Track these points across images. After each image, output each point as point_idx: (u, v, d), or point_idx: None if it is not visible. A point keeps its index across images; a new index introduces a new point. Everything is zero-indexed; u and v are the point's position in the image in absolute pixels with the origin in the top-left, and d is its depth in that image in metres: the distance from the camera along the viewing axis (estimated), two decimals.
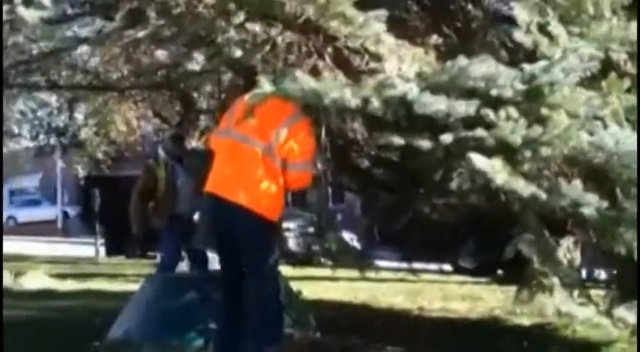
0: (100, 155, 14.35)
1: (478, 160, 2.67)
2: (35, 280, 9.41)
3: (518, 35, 2.97)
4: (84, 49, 7.58)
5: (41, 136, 14.87)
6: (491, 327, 5.62)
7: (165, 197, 6.13)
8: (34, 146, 15.55)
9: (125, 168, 8.73)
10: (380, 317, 6.42)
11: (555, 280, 3.36)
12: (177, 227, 6.12)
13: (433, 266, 7.80)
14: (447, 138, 2.69)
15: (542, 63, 2.73)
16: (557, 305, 3.39)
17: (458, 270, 11.05)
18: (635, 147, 2.70)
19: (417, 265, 6.93)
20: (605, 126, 2.76)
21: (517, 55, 3.16)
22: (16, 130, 13.89)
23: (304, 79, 2.78)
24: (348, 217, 19.12)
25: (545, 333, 5.24)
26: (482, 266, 10.45)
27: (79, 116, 13.03)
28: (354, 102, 2.69)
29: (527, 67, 2.74)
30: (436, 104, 2.62)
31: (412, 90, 2.66)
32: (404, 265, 7.08)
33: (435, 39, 3.44)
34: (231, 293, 3.82)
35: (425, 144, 2.79)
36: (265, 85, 2.88)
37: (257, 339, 3.66)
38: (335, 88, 2.75)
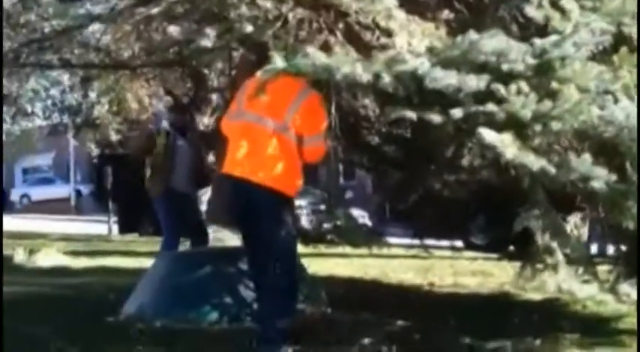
0: (112, 133, 14.40)
1: (488, 135, 2.68)
2: (49, 257, 9.50)
3: (530, 10, 2.96)
4: (96, 26, 7.58)
5: (54, 115, 14.92)
6: (502, 302, 5.64)
7: (163, 165, 6.07)
8: (47, 124, 15.60)
9: None
10: (390, 292, 6.46)
11: (560, 257, 3.38)
12: (172, 202, 6.09)
13: (444, 242, 7.82)
14: (457, 112, 2.70)
15: (553, 37, 2.73)
16: (559, 282, 3.41)
17: (469, 246, 11.07)
18: None
19: (427, 242, 6.97)
20: (616, 101, 2.75)
21: (528, 30, 3.15)
22: (29, 109, 13.93)
23: (316, 55, 2.80)
24: (359, 194, 19.17)
25: (555, 308, 5.26)
26: (493, 242, 10.46)
27: (92, 94, 13.06)
28: (365, 77, 2.70)
29: (538, 42, 2.74)
30: (447, 79, 2.63)
31: (423, 65, 2.67)
32: (414, 242, 7.11)
33: (446, 14, 3.43)
34: (252, 271, 3.98)
35: (436, 118, 2.80)
36: (278, 61, 2.90)
37: (270, 313, 3.76)
38: (346, 63, 2.76)
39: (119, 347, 4.00)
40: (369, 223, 15.72)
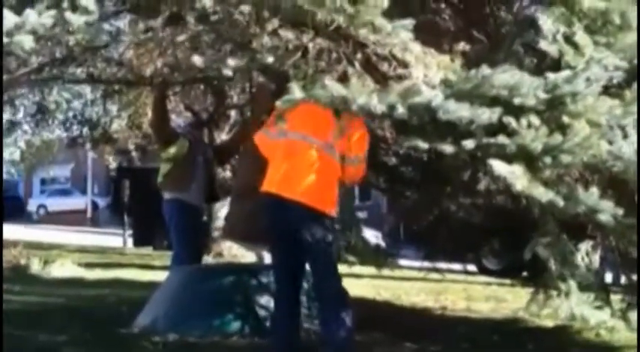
0: (131, 147, 14.54)
1: (498, 166, 2.72)
2: (64, 268, 9.59)
3: (544, 44, 3.00)
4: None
5: (74, 127, 15.09)
6: (515, 328, 5.63)
7: (183, 170, 5.97)
8: (67, 136, 15.77)
9: (156, 159, 8.86)
10: (402, 314, 6.46)
11: (572, 283, 3.39)
12: (187, 215, 6.05)
13: (457, 266, 7.80)
14: (469, 143, 2.75)
15: (565, 73, 2.77)
16: (571, 307, 3.41)
17: (482, 271, 11.03)
18: None
19: (441, 265, 6.96)
20: (626, 136, 2.77)
21: (542, 63, 3.18)
22: (50, 120, 14.11)
23: (333, 86, 2.85)
24: (374, 214, 19.16)
25: (568, 336, 5.24)
26: (507, 267, 10.42)
27: (113, 107, 13.21)
28: (380, 108, 2.75)
29: (551, 77, 2.78)
30: (460, 111, 2.68)
31: (437, 97, 2.73)
32: (428, 264, 7.10)
33: (462, 45, 3.48)
34: (287, 289, 4.01)
35: (448, 148, 2.84)
36: (296, 91, 2.96)
37: (330, 324, 3.85)
38: (362, 94, 2.81)
39: None
40: (383, 244, 15.74)
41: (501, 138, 2.73)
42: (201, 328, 4.62)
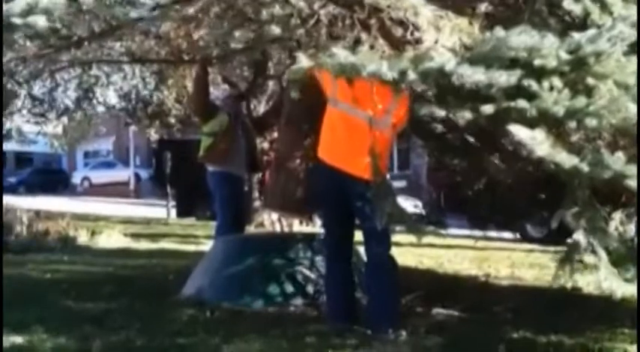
0: (172, 120, 14.65)
1: (519, 131, 2.62)
2: (110, 239, 9.79)
3: (568, 2, 2.89)
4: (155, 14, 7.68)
5: (115, 100, 15.24)
6: (558, 295, 5.58)
7: (224, 142, 6.12)
8: (108, 109, 15.94)
9: (196, 132, 8.94)
10: (444, 281, 6.45)
11: (602, 254, 3.31)
12: (230, 186, 6.18)
13: (501, 234, 7.73)
14: (488, 109, 2.65)
15: (590, 32, 2.63)
16: (600, 280, 3.35)
17: (526, 239, 10.93)
18: None
19: (484, 233, 6.91)
20: None
21: (568, 24, 3.07)
22: (90, 94, 14.25)
23: (341, 54, 2.75)
24: (413, 183, 19.08)
25: (612, 304, 5.17)
26: (551, 234, 10.28)
27: (152, 80, 13.29)
28: (390, 75, 2.69)
29: (575, 36, 2.64)
30: (475, 75, 2.57)
31: (450, 61, 2.62)
32: (471, 232, 7.05)
33: (485, 6, 3.37)
34: (337, 255, 4.19)
35: (466, 114, 2.76)
36: (303, 61, 2.88)
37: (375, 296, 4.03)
38: (372, 61, 2.73)
39: (179, 326, 4.11)
40: (423, 212, 15.68)
41: (521, 102, 2.60)
42: (246, 296, 4.68)
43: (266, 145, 9.55)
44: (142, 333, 3.92)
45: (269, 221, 12.18)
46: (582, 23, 2.89)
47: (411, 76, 2.67)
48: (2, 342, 3.56)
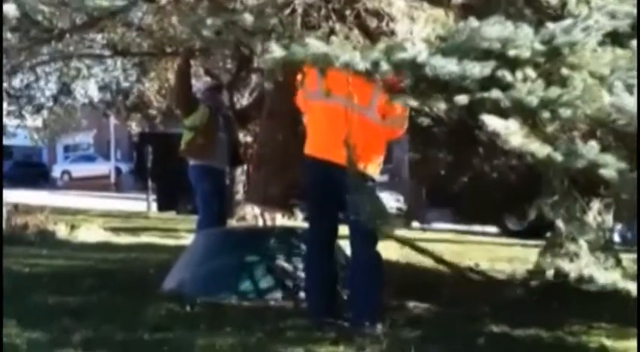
0: (153, 112, 14.56)
1: (492, 121, 2.62)
2: (90, 233, 9.71)
3: None
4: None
5: (96, 93, 15.13)
6: (536, 289, 5.61)
7: (206, 136, 6.07)
8: (89, 102, 15.81)
9: (178, 125, 8.89)
10: (425, 275, 6.47)
11: (582, 243, 3.33)
12: (212, 179, 6.15)
13: (480, 228, 7.79)
14: (462, 99, 2.65)
15: (565, 22, 2.63)
16: (580, 268, 3.37)
17: (505, 233, 11.00)
18: None
19: (465, 227, 6.95)
20: (630, 88, 2.62)
21: (544, 14, 3.06)
22: (71, 86, 14.14)
23: (314, 44, 2.74)
24: (395, 177, 19.10)
25: (589, 296, 5.22)
26: (530, 228, 10.36)
27: (134, 72, 13.20)
28: (362, 65, 2.67)
29: (550, 26, 2.65)
30: (448, 66, 2.57)
31: (422, 53, 2.62)
32: (452, 226, 7.10)
33: None
34: (320, 249, 4.17)
35: (441, 105, 2.76)
36: (276, 50, 2.86)
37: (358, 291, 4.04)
38: (345, 51, 2.72)
39: (160, 320, 4.10)
40: (404, 207, 15.72)
41: (495, 93, 2.60)
42: (227, 290, 4.67)
43: (250, 139, 9.53)
44: (122, 327, 3.90)
45: (251, 215, 12.18)
46: (560, 14, 2.88)
47: (384, 66, 2.66)
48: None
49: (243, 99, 10.67)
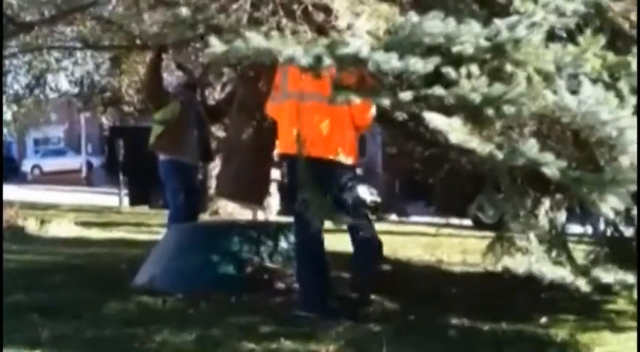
0: (124, 106, 14.43)
1: (433, 118, 2.62)
2: (61, 228, 9.60)
3: None
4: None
5: (66, 86, 14.97)
6: (507, 281, 5.67)
7: (176, 130, 6.00)
8: (59, 96, 15.63)
9: (149, 119, 8.81)
10: (397, 268, 6.50)
11: (533, 239, 3.36)
12: (182, 175, 6.09)
13: (454, 220, 7.81)
14: (406, 95, 2.64)
15: (511, 19, 2.62)
16: (530, 263, 3.41)
17: (478, 226, 11.06)
18: (600, 108, 2.54)
19: (437, 220, 6.98)
20: (579, 85, 2.60)
21: (492, 10, 3.06)
22: (40, 80, 13.96)
23: (255, 39, 2.67)
24: (369, 170, 19.16)
25: (559, 289, 5.28)
26: (502, 221, 10.41)
27: (104, 66, 13.07)
28: (305, 60, 2.64)
29: (497, 23, 2.62)
30: (390, 62, 2.54)
31: (364, 48, 2.60)
32: (424, 219, 7.13)
33: None
34: (309, 245, 4.16)
35: (385, 101, 2.75)
36: (217, 45, 2.82)
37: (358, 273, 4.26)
38: (287, 47, 2.67)
39: (131, 315, 4.07)
40: (378, 200, 15.79)
41: (438, 89, 2.59)
42: (199, 285, 4.65)
43: (223, 133, 9.49)
44: (93, 323, 3.88)
45: (224, 209, 12.15)
46: (506, 11, 2.88)
47: (327, 61, 2.63)
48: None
49: (215, 94, 10.64)
